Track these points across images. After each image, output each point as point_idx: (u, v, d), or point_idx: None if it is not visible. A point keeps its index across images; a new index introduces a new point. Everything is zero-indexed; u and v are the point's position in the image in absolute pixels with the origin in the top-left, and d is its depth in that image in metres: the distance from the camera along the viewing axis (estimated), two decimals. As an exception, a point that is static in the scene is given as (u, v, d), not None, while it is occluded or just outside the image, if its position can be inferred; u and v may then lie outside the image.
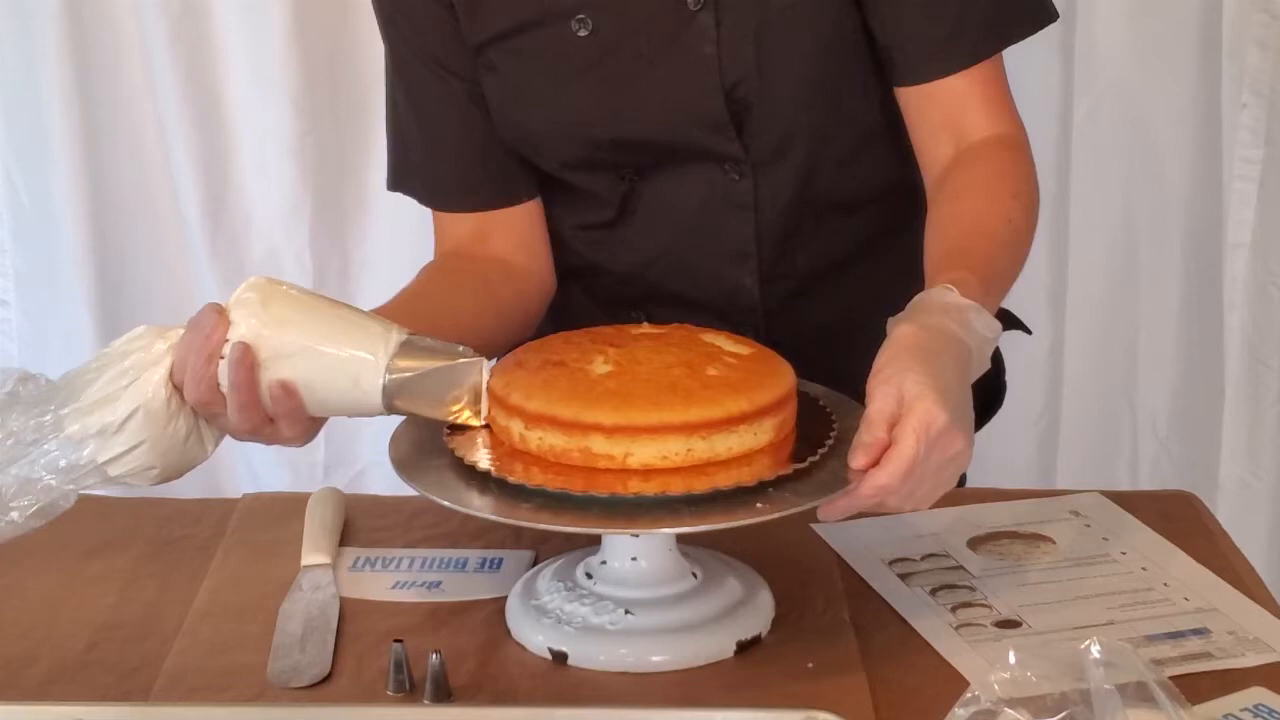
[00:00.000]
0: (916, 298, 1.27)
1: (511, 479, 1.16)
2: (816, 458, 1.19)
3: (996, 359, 1.49)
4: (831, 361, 1.34)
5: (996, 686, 1.00)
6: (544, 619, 1.24)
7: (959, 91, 1.46)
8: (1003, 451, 2.48)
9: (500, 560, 1.36)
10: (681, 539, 1.26)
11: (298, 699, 1.18)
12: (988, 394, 1.64)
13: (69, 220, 2.37)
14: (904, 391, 1.15)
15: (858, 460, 1.15)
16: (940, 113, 1.46)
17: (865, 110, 1.51)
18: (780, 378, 1.23)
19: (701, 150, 1.48)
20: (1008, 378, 1.73)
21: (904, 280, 1.35)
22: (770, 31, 1.44)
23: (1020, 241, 1.42)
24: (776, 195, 1.50)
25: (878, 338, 1.23)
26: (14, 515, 1.21)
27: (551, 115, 1.49)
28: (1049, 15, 1.50)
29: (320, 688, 1.19)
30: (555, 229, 1.58)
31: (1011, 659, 1.01)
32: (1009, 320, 1.62)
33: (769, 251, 1.52)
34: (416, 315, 1.33)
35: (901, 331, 1.21)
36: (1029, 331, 1.70)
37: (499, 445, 1.22)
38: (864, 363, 1.20)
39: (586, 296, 1.60)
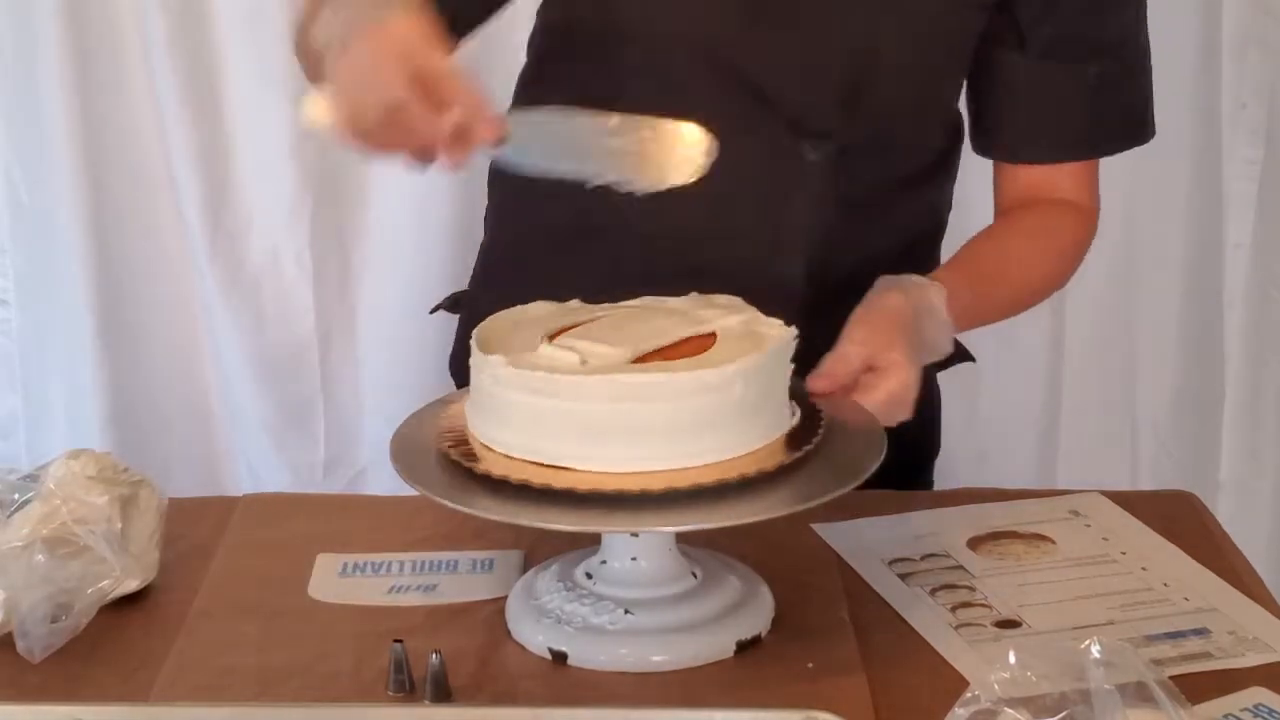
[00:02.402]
0: (917, 280, 1.39)
1: (505, 477, 1.16)
2: (811, 446, 1.20)
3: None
4: None
5: (996, 686, 1.00)
6: (544, 619, 1.24)
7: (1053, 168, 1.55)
8: (1003, 451, 2.48)
9: (491, 561, 1.36)
10: (681, 538, 1.26)
11: (298, 699, 1.18)
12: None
13: (69, 220, 2.36)
14: (887, 351, 1.28)
15: (817, 385, 1.26)
16: (1029, 174, 1.55)
17: (930, 148, 1.55)
18: None
19: (793, 114, 1.45)
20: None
21: None
22: (918, 39, 1.45)
23: (1032, 291, 1.58)
24: (845, 189, 1.48)
25: None
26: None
27: (689, 10, 1.45)
28: (1150, 133, 1.58)
29: (321, 688, 1.19)
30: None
31: (1011, 659, 1.01)
32: (958, 352, 1.71)
33: (821, 246, 1.50)
34: None
35: (897, 302, 1.35)
36: (973, 359, 1.75)
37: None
38: None
39: (603, 264, 1.53)
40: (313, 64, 1.27)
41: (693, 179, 1.17)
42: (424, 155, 1.16)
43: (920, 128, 1.53)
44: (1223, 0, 2.28)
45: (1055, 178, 1.55)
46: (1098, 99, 1.51)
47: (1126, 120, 1.56)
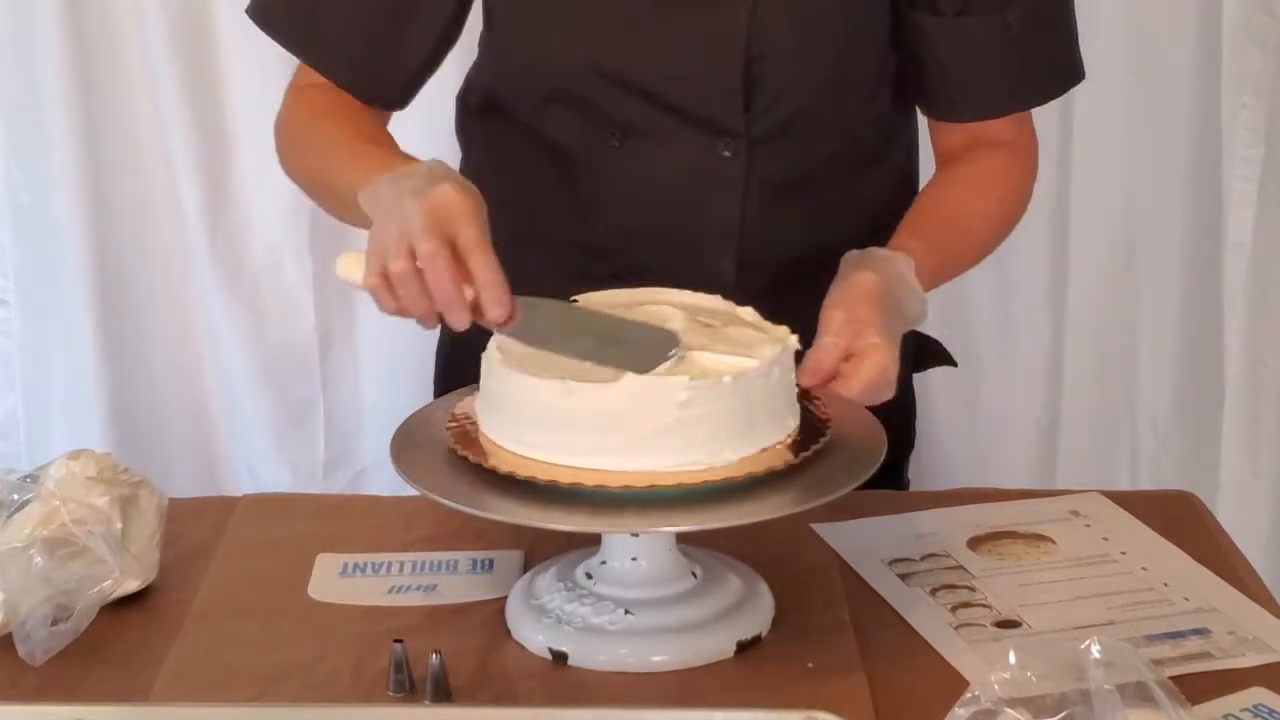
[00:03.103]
0: (882, 254, 1.37)
1: (506, 472, 1.16)
2: (809, 453, 1.19)
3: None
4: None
5: (996, 686, 1.00)
6: (544, 619, 1.24)
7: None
8: (1003, 451, 2.49)
9: (491, 561, 1.36)
10: (681, 538, 1.26)
11: (298, 699, 1.18)
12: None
13: (69, 220, 2.37)
14: (865, 335, 1.26)
15: (802, 380, 1.25)
16: (965, 125, 1.54)
17: (866, 120, 1.53)
18: None
19: (701, 116, 1.46)
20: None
21: None
22: (806, 13, 1.44)
23: (988, 240, 1.55)
24: (766, 180, 1.49)
25: None
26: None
27: (567, 32, 1.47)
28: (1079, 75, 1.57)
29: (321, 688, 1.19)
30: (521, 191, 1.57)
31: (1011, 659, 1.01)
32: (939, 355, 1.72)
33: (750, 238, 1.51)
34: None
35: (868, 280, 1.31)
36: (955, 364, 1.74)
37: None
38: None
39: (547, 269, 1.52)
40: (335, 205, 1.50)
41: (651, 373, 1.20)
42: (433, 320, 1.22)
43: (839, 110, 1.51)
44: (1222, 0, 2.28)
45: (991, 124, 1.54)
46: (1022, 48, 1.50)
47: (1054, 65, 1.55)
